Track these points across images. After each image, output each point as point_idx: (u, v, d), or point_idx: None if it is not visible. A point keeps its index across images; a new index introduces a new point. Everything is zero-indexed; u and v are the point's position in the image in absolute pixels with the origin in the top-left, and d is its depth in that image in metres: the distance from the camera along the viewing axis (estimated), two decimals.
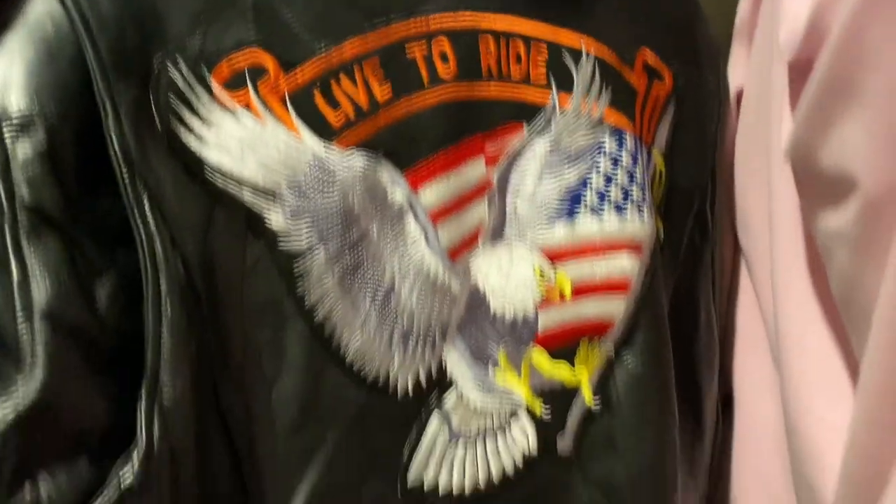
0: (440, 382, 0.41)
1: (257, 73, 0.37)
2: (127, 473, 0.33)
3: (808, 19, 0.33)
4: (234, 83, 0.37)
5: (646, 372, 0.43)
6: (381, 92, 0.39)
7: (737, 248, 0.50)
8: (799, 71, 0.36)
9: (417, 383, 0.41)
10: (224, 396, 0.36)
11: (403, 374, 0.40)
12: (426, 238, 0.40)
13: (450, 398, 0.42)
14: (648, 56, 0.46)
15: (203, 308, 0.35)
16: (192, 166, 0.36)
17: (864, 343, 0.34)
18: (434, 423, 0.41)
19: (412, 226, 0.40)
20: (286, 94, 0.37)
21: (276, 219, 0.38)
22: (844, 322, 0.37)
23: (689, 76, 0.47)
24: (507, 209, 0.43)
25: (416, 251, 0.40)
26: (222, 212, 0.37)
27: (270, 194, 0.38)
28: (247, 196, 0.37)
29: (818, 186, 0.36)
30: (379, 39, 0.39)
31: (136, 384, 0.32)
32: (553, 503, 0.42)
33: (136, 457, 0.32)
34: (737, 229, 0.50)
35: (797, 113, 0.34)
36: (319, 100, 0.38)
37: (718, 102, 0.49)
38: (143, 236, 0.33)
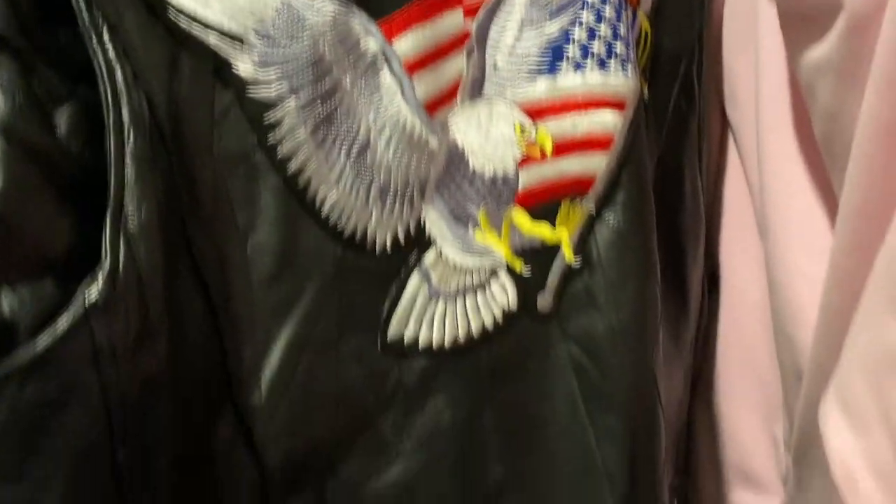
0: (419, 241, 0.41)
1: None
2: (92, 291, 0.32)
3: None
4: None
5: (627, 229, 0.42)
6: None
7: (724, 123, 0.49)
8: None
9: (396, 241, 0.40)
10: (195, 241, 0.36)
11: (381, 231, 0.40)
12: (402, 90, 0.39)
13: (429, 256, 0.41)
14: None
15: (169, 149, 0.35)
16: (155, 6, 0.35)
17: (843, 183, 0.33)
18: (414, 280, 0.41)
19: (387, 77, 0.39)
20: None
21: (244, 66, 0.37)
22: (827, 165, 0.37)
23: None
24: (486, 64, 0.41)
25: (392, 104, 0.39)
26: (188, 56, 0.35)
27: (238, 40, 0.36)
28: (213, 41, 0.36)
29: (803, 17, 0.35)
30: None
31: (102, 218, 0.32)
32: (532, 358, 0.42)
33: (101, 276, 0.32)
34: (724, 101, 0.49)
35: None
36: None
37: None
38: (103, 64, 0.32)
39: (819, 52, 0.33)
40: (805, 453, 0.40)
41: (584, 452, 0.43)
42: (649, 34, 0.45)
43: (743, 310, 0.47)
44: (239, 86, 0.37)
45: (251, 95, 0.37)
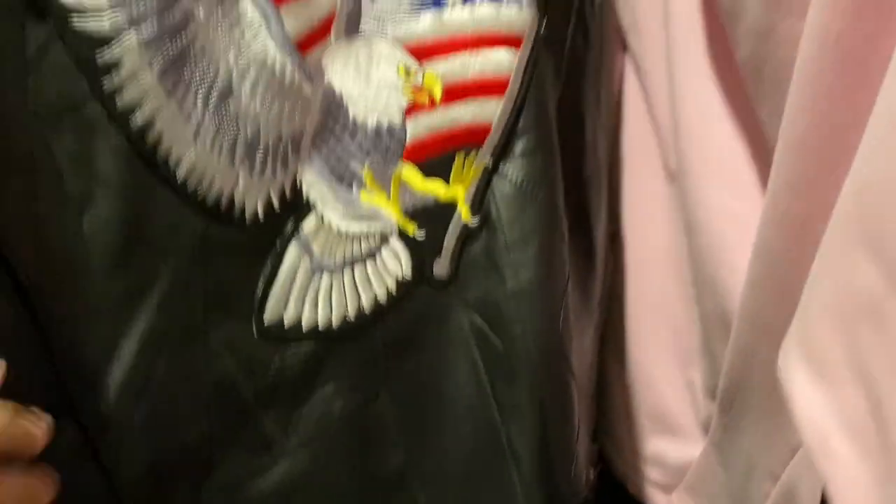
0: (296, 206, 0.35)
1: None
2: None
3: None
4: None
5: (528, 183, 0.38)
6: None
7: (622, 59, 0.46)
8: None
9: (269, 207, 0.34)
10: None
11: (251, 196, 0.34)
12: (268, 24, 0.33)
13: (308, 224, 0.35)
14: None
15: None
16: None
17: (775, 109, 0.31)
18: (292, 252, 0.35)
19: (249, 9, 0.32)
20: None
21: None
22: (751, 91, 0.34)
23: None
24: None
25: (256, 40, 0.33)
26: None
27: None
28: None
29: None
30: None
31: None
32: (430, 331, 0.38)
33: None
34: (625, 32, 0.45)
35: None
36: None
37: None
38: None
39: None
40: (734, 399, 0.38)
41: (488, 431, 0.39)
42: None
43: (650, 256, 0.45)
44: (60, 15, 0.29)
45: (77, 27, 0.29)
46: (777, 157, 0.30)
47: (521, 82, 0.38)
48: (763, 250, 0.32)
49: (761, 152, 0.36)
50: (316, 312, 0.36)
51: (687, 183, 0.39)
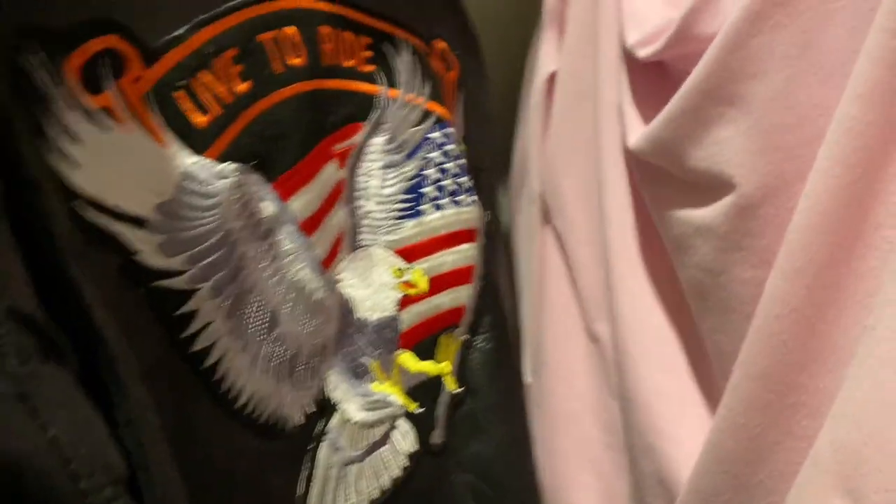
0: (324, 408, 0.38)
1: (117, 64, 0.28)
2: None
3: (676, 25, 0.36)
4: (92, 77, 0.28)
5: (495, 350, 0.44)
6: (242, 85, 0.33)
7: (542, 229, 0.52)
8: (646, 69, 0.39)
9: (305, 414, 0.37)
10: None
11: (293, 408, 0.36)
12: (301, 253, 0.36)
13: (334, 422, 0.38)
14: (442, 45, 0.46)
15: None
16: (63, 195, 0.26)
17: (721, 328, 0.35)
18: (324, 451, 0.38)
19: (287, 242, 0.35)
20: (149, 91, 0.29)
21: (148, 251, 0.30)
22: (693, 306, 0.38)
23: (467, 61, 0.49)
24: (359, 212, 0.40)
25: (294, 269, 0.36)
26: (94, 253, 0.28)
27: (138, 222, 0.29)
28: (115, 228, 0.29)
29: (681, 183, 0.36)
30: (230, 21, 0.33)
31: None
32: (437, 494, 0.42)
33: None
34: (550, 211, 0.51)
35: (664, 113, 0.36)
36: (183, 98, 0.31)
37: (486, 81, 0.51)
38: None
39: (700, 216, 0.35)
40: None
41: None
42: (466, 156, 0.48)
43: (575, 406, 0.48)
44: (147, 281, 0.30)
45: (159, 286, 0.30)
46: (735, 379, 0.32)
47: (482, 268, 0.44)
48: (716, 449, 0.33)
49: (693, 340, 0.40)
50: (350, 500, 0.38)
51: (621, 359, 0.42)
